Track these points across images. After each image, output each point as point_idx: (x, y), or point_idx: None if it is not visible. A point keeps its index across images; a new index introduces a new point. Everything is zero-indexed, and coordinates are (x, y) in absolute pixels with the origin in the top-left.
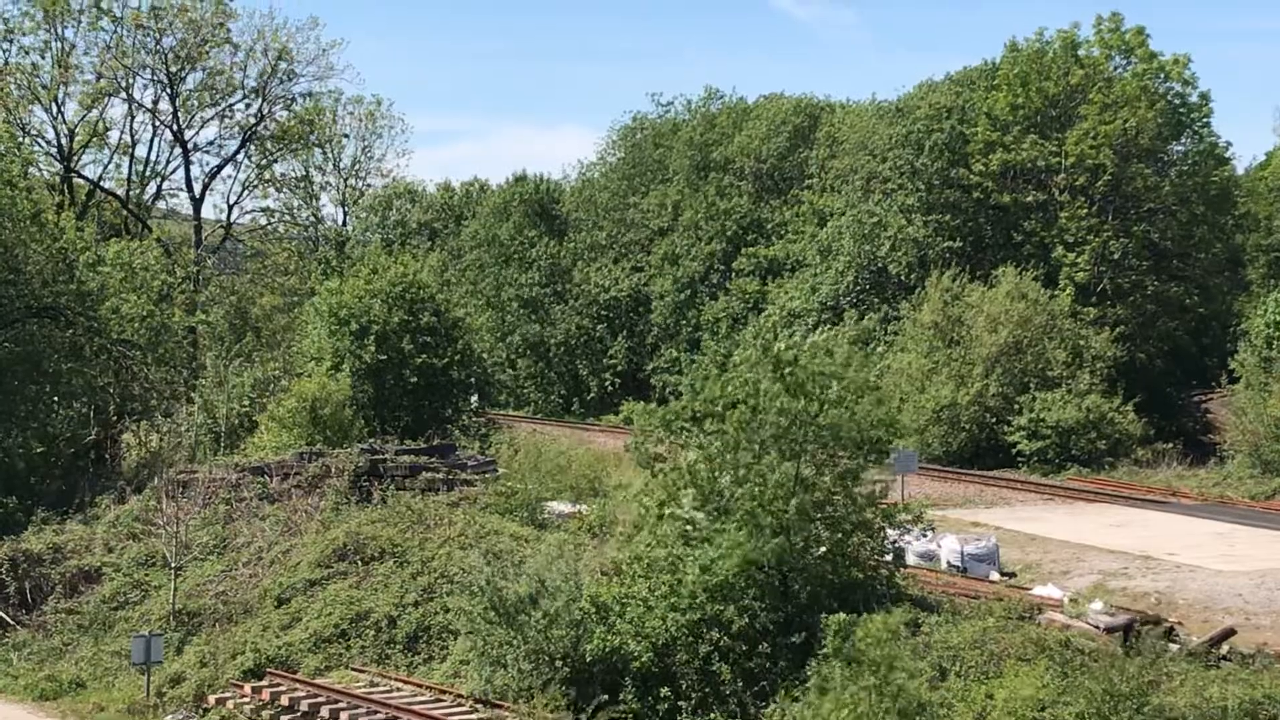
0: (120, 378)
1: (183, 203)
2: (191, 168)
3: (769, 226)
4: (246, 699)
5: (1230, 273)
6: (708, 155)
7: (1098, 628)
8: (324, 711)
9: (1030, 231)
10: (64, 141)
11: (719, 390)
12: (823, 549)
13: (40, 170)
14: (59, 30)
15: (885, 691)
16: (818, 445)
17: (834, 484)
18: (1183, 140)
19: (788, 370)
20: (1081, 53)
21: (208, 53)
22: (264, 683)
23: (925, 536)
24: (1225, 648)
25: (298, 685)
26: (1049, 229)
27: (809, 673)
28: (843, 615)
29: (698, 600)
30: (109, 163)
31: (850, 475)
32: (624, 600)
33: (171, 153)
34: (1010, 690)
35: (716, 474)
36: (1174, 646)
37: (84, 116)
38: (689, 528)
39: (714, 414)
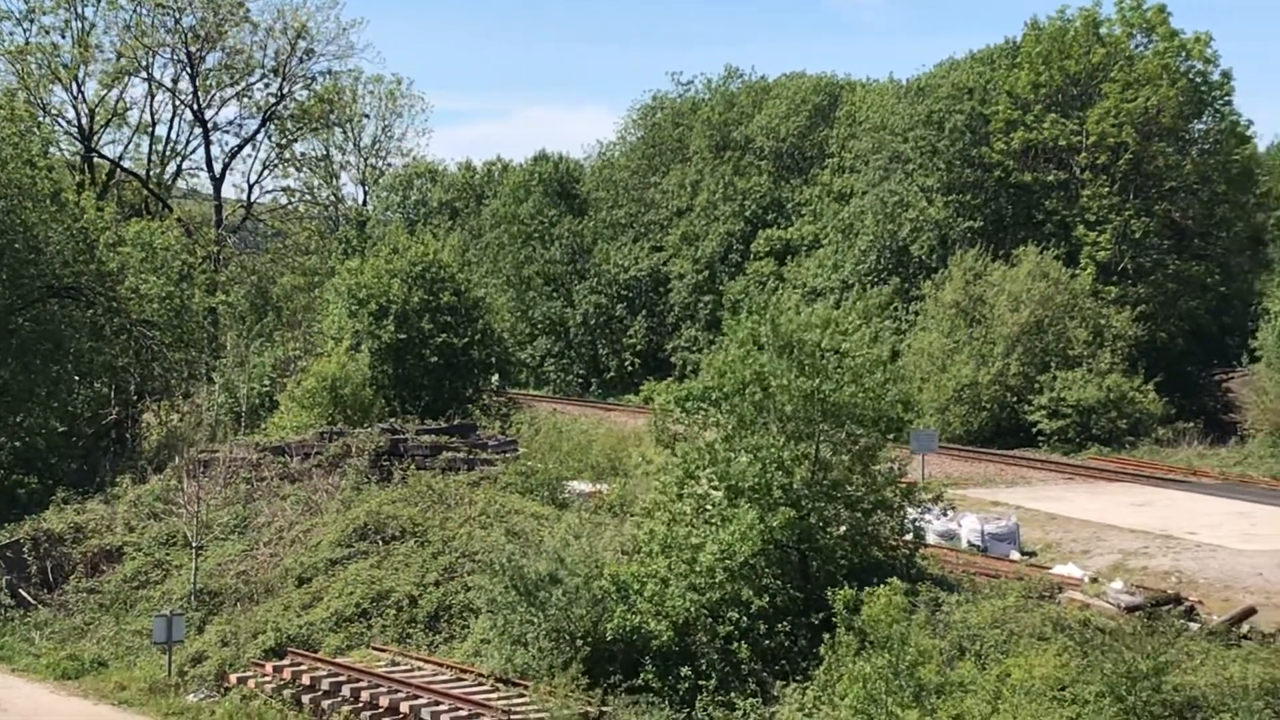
0: (140, 358)
1: (203, 182)
2: (212, 147)
3: (789, 206)
4: (268, 678)
5: (1252, 252)
6: (727, 135)
7: (1118, 607)
8: (345, 690)
9: (1051, 210)
10: (84, 121)
11: (731, 370)
12: (842, 528)
13: (61, 150)
14: (79, 9)
15: (898, 669)
16: (832, 424)
17: (852, 463)
18: (1204, 118)
19: (798, 348)
20: (1103, 31)
21: (227, 32)
22: (285, 662)
23: (945, 516)
24: (1246, 627)
25: (319, 664)
26: (1070, 208)
27: (822, 651)
28: (849, 590)
29: (717, 579)
30: (129, 142)
31: (868, 454)
32: (643, 579)
33: (191, 132)
34: (1027, 669)
35: (734, 453)
36: (1194, 625)
37: (104, 96)
38: (708, 507)
39: (729, 394)
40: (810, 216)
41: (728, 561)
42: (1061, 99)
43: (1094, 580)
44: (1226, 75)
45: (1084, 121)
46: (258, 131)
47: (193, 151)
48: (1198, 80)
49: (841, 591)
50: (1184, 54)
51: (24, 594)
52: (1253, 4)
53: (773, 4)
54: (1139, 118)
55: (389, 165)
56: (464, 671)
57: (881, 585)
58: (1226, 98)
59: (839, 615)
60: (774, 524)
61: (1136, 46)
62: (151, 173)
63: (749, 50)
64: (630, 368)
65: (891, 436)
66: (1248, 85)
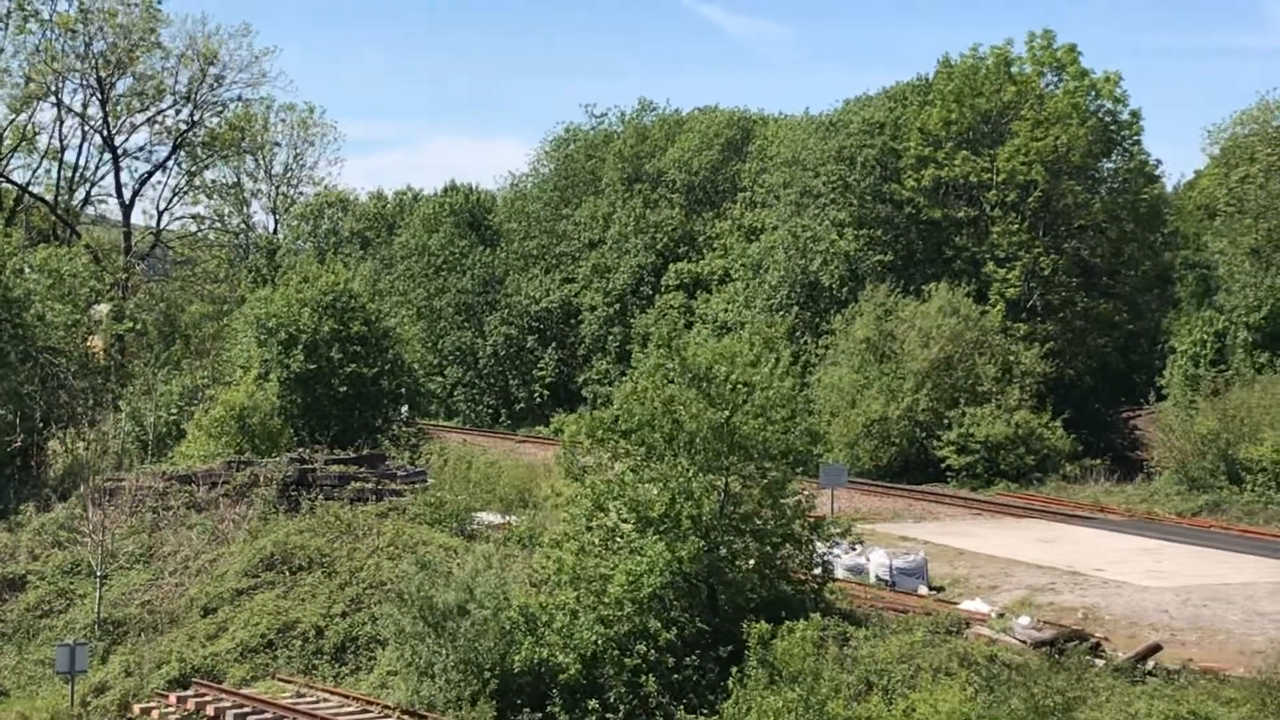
0: (46, 385)
1: (112, 208)
2: (121, 173)
3: (700, 239)
4: (172, 709)
5: (1159, 290)
6: (640, 167)
7: (1024, 642)
8: None
9: (961, 247)
10: None
11: (640, 401)
12: (751, 561)
13: None
14: None
15: (810, 703)
16: (741, 456)
17: (761, 496)
18: (1113, 157)
19: (706, 380)
20: (1014, 69)
21: (138, 57)
22: (190, 692)
23: (854, 550)
24: (1151, 663)
25: (224, 695)
26: (980, 244)
27: (731, 684)
28: (764, 624)
29: (625, 612)
30: (38, 167)
31: (776, 487)
32: (551, 610)
33: (101, 158)
34: (933, 704)
35: (643, 484)
36: (1100, 662)
37: (12, 120)
38: (618, 539)
39: (639, 424)
40: (721, 250)
41: (636, 593)
42: (972, 136)
43: (1001, 616)
44: (1135, 115)
45: (995, 159)
46: (168, 158)
47: (102, 178)
48: (1107, 119)
49: (756, 625)
50: (1094, 93)
51: None
52: (1161, 46)
53: (683, 38)
54: (1049, 156)
55: (300, 194)
56: (370, 703)
57: (795, 620)
58: (1135, 137)
59: (751, 649)
60: (683, 554)
61: (1047, 85)
62: (60, 198)
63: (660, 82)
64: (540, 399)
65: (799, 470)
66: (1156, 126)
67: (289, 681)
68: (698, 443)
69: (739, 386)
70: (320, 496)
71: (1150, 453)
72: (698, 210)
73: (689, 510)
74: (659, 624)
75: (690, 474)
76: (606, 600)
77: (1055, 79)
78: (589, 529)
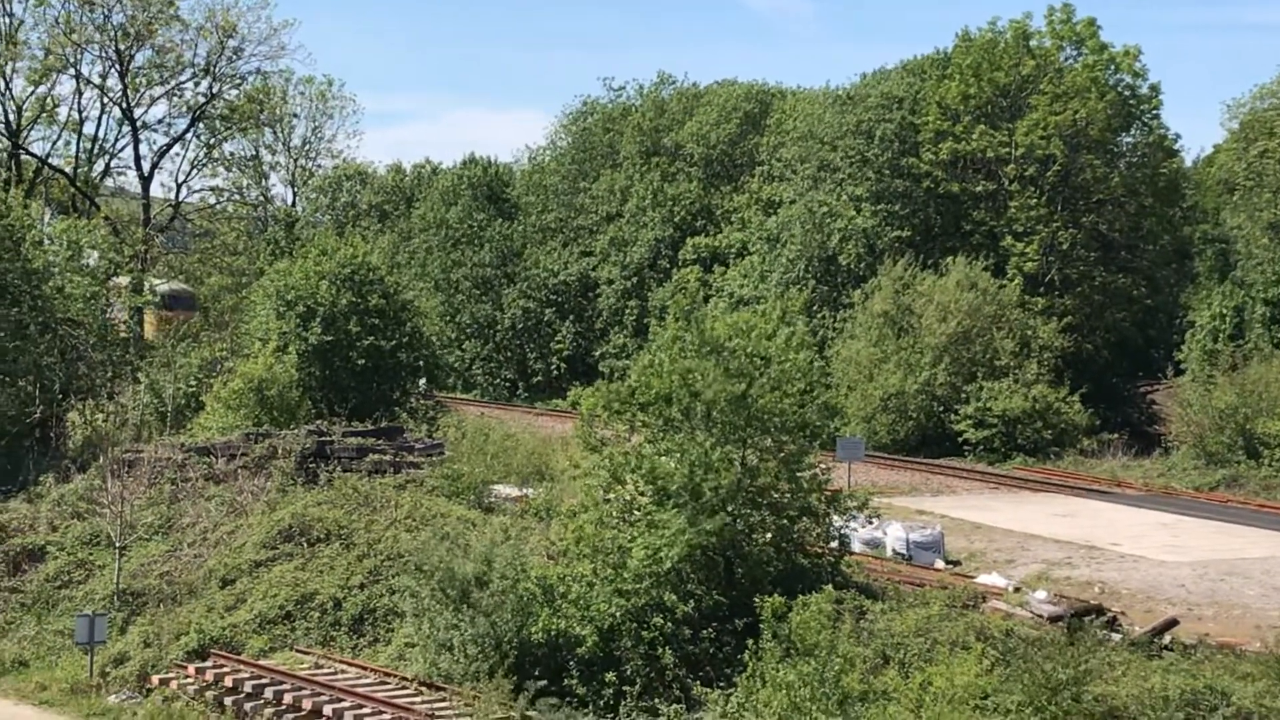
0: (65, 356)
1: (131, 181)
2: (140, 146)
3: (718, 213)
4: (190, 679)
5: (1177, 265)
6: (658, 141)
7: (1040, 616)
8: (268, 693)
9: (979, 221)
10: (11, 118)
11: (657, 373)
12: (767, 534)
13: None
14: (7, 6)
15: (823, 677)
16: (758, 429)
17: (778, 469)
18: (1132, 132)
19: (724, 352)
20: (1033, 43)
21: (156, 30)
22: (208, 663)
23: (870, 524)
24: (1168, 638)
25: (242, 666)
26: (998, 219)
27: (746, 658)
28: (778, 597)
29: (642, 585)
30: (57, 139)
31: (793, 460)
32: (568, 581)
33: (120, 130)
34: (949, 678)
35: (661, 457)
36: (1116, 636)
37: (32, 92)
38: (635, 511)
39: (656, 397)
40: (739, 224)
41: (654, 566)
42: (991, 110)
43: (1017, 590)
44: (1155, 89)
45: (1013, 133)
46: (187, 130)
47: (121, 150)
48: (1126, 93)
49: (770, 599)
50: (1113, 67)
51: None
52: (1180, 21)
53: (701, 11)
54: (1068, 130)
55: (319, 166)
56: (388, 675)
57: (810, 593)
58: (1155, 111)
59: (766, 622)
60: (707, 527)
61: (1066, 59)
62: (79, 171)
63: (679, 56)
64: (557, 372)
65: (816, 443)
66: (1175, 100)
67: (307, 653)
68: (715, 415)
69: (755, 359)
70: (338, 468)
71: (1168, 427)
72: (715, 184)
73: (712, 482)
74: (676, 597)
75: (707, 446)
76: (625, 574)
77: (1074, 52)
78: (607, 500)
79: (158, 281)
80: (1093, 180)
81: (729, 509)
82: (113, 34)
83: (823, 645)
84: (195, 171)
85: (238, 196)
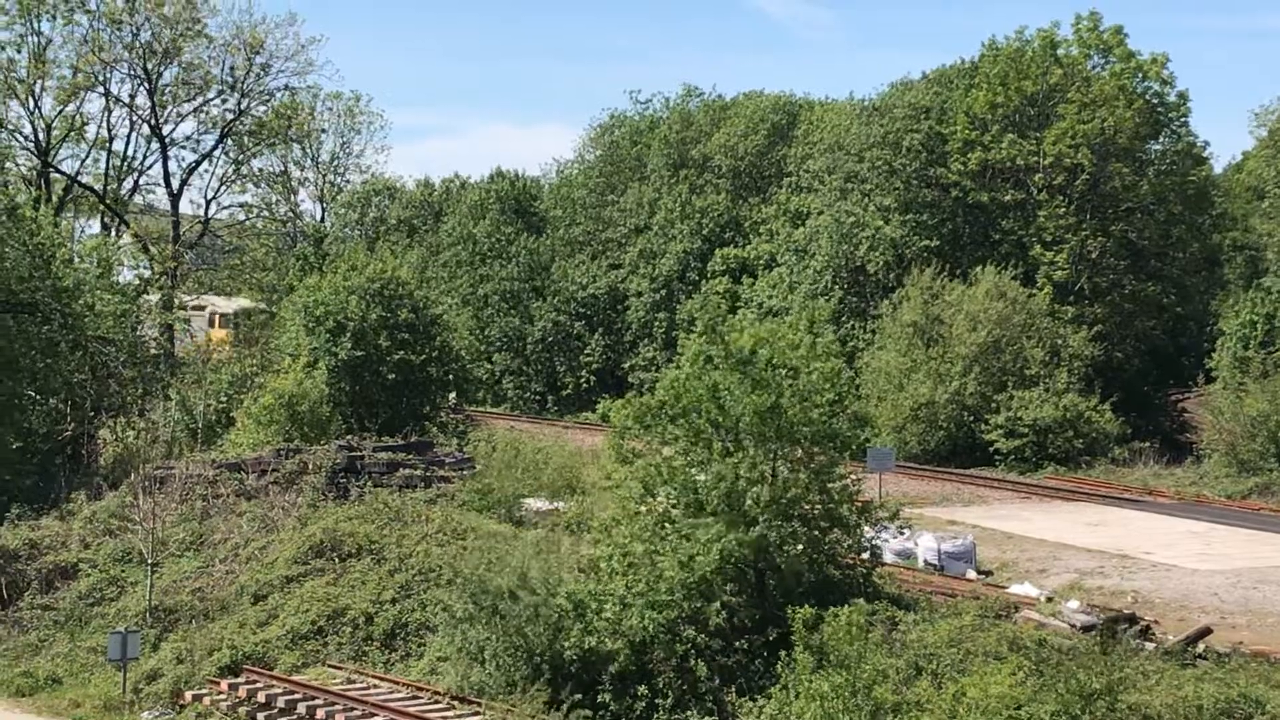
0: (96, 374)
1: (160, 198)
2: (169, 163)
3: (746, 225)
4: (223, 696)
5: (1207, 272)
6: (685, 153)
7: (1073, 626)
8: (301, 708)
9: (1008, 230)
10: (41, 136)
11: (685, 387)
12: (799, 546)
13: (17, 164)
14: (35, 25)
15: (855, 688)
16: (788, 440)
17: (809, 480)
18: (1161, 140)
19: (751, 364)
20: (1060, 52)
21: (184, 47)
22: (241, 679)
23: (902, 534)
24: (1201, 646)
25: (274, 682)
26: (1027, 228)
27: (779, 669)
28: (810, 608)
29: (675, 598)
30: (86, 157)
31: (824, 471)
32: (600, 598)
33: (149, 147)
34: (983, 689)
35: (691, 469)
36: (1150, 645)
37: (61, 111)
38: (667, 523)
39: (684, 410)
40: (767, 235)
41: (685, 575)
42: (1019, 119)
43: (1050, 600)
44: (1183, 96)
45: (1041, 142)
46: (215, 147)
47: (150, 167)
48: (1154, 101)
49: (801, 610)
50: (1141, 75)
51: None
52: (1208, 28)
53: (720, 19)
54: (1096, 138)
55: (347, 182)
56: (420, 689)
57: (843, 605)
58: (1183, 119)
59: (798, 633)
60: (744, 538)
61: (1094, 67)
62: (109, 188)
63: (700, 65)
64: (587, 385)
65: (847, 454)
66: (1203, 107)
67: (339, 668)
68: (743, 427)
69: (783, 370)
70: (369, 483)
71: (1199, 435)
72: (744, 195)
73: (752, 494)
74: (710, 608)
75: (739, 459)
76: (658, 588)
77: (1102, 61)
78: (638, 514)
79: (222, 300)
80: (1121, 188)
81: (760, 521)
82: (140, 52)
83: (854, 656)
84: (224, 188)
85: (266, 213)
